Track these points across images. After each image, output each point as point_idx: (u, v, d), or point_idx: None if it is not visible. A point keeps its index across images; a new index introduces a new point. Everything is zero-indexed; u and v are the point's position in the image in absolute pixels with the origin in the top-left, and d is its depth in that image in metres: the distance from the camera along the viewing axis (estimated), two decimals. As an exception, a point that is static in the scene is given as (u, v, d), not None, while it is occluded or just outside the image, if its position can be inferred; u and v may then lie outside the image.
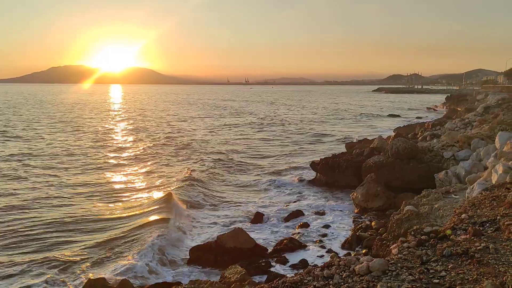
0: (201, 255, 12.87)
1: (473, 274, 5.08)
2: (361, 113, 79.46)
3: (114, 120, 63.45)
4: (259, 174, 25.93)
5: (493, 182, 11.41)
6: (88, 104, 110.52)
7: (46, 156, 30.11)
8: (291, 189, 22.12)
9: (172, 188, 20.89)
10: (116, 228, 15.78)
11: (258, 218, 17.05)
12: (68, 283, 11.37)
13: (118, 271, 11.85)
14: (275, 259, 12.89)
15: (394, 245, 6.92)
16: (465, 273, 5.16)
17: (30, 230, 15.38)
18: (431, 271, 5.38)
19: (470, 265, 5.38)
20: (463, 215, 7.79)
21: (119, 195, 20.48)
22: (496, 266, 5.24)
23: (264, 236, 15.14)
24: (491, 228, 6.77)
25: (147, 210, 17.75)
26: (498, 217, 7.20)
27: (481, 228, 6.80)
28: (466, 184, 14.28)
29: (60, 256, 13.05)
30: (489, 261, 5.41)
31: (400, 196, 17.28)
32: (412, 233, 7.30)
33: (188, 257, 13.05)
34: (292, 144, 39.55)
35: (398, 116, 72.59)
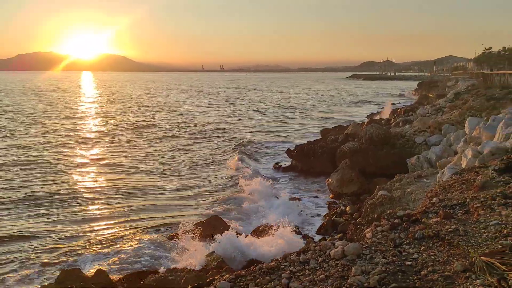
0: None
1: (444, 256, 5.24)
2: (335, 100, 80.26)
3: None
4: (235, 161, 25.89)
5: (463, 166, 11.75)
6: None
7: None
8: (267, 176, 22.19)
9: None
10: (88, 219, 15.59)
11: (235, 205, 17.08)
12: (43, 273, 11.17)
13: (93, 261, 11.75)
14: (252, 245, 12.95)
15: (368, 229, 7.05)
16: (436, 255, 5.31)
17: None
18: (403, 253, 5.51)
19: (441, 247, 5.54)
20: (434, 199, 7.99)
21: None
22: (466, 247, 5.40)
23: (241, 223, 15.18)
24: (461, 211, 6.97)
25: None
26: (467, 200, 7.42)
27: (451, 211, 6.99)
28: (437, 168, 14.66)
29: (40, 245, 12.85)
30: (459, 242, 5.58)
31: (374, 181, 17.62)
32: (386, 217, 7.46)
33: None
34: (268, 131, 39.64)
35: (372, 102, 73.63)
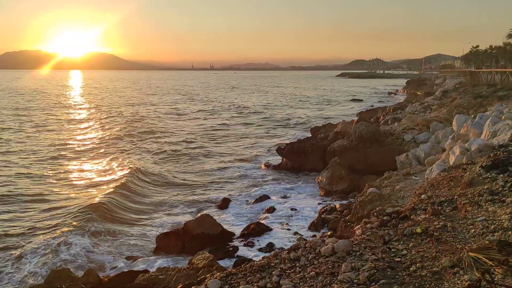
0: (168, 242, 12.80)
1: (432, 252, 5.30)
2: (326, 98, 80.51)
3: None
4: (225, 161, 25.90)
5: (451, 163, 11.88)
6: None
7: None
8: (258, 174, 22.24)
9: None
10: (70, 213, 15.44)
11: (225, 204, 17.09)
12: (32, 274, 11.06)
13: (84, 262, 11.68)
14: (243, 243, 13.00)
15: (357, 226, 7.10)
16: (425, 251, 5.37)
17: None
18: (393, 250, 5.57)
19: (429, 243, 5.60)
20: (422, 196, 8.08)
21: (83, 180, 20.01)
22: (454, 243, 5.48)
23: (231, 221, 15.21)
24: (449, 208, 7.05)
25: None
26: (455, 197, 7.50)
27: (439, 208, 7.07)
28: (425, 165, 14.79)
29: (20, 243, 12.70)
30: (447, 239, 5.65)
31: (364, 178, 17.70)
32: (375, 214, 7.53)
33: (155, 245, 12.95)
34: (259, 130, 39.66)
35: (361, 100, 73.91)
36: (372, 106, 58.49)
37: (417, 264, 5.00)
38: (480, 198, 7.11)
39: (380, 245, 5.81)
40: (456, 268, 4.68)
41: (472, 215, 6.43)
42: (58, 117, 47.06)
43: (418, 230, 6.08)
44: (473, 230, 5.79)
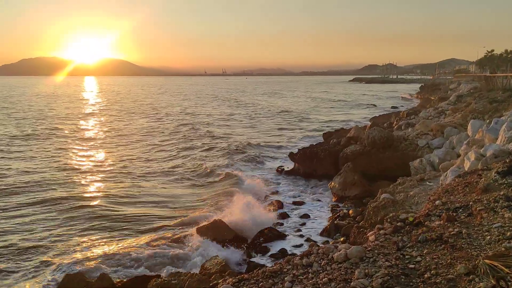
0: (181, 247, 12.85)
1: (447, 259, 5.23)
2: (339, 103, 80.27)
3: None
4: (236, 166, 25.90)
5: (466, 169, 11.73)
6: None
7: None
8: (270, 180, 22.20)
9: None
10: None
11: (238, 209, 17.07)
12: (46, 278, 11.18)
13: (97, 266, 11.76)
14: (255, 249, 12.98)
15: (371, 232, 7.05)
16: (440, 258, 5.31)
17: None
18: (406, 256, 5.51)
19: (444, 250, 5.53)
20: (437, 202, 7.98)
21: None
22: (469, 250, 5.40)
23: (244, 227, 15.17)
24: (464, 214, 6.96)
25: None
26: (470, 203, 7.40)
27: (454, 214, 6.98)
28: (440, 171, 14.62)
29: (37, 248, 12.86)
30: (462, 245, 5.57)
31: (377, 184, 17.57)
32: (389, 220, 7.46)
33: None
34: (270, 134, 39.65)
35: (374, 105, 73.48)
36: (386, 111, 58.06)
37: (432, 271, 4.94)
38: (496, 204, 7.01)
39: (393, 251, 5.75)
40: (471, 276, 4.61)
41: (487, 221, 6.33)
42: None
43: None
44: (488, 237, 5.70)
